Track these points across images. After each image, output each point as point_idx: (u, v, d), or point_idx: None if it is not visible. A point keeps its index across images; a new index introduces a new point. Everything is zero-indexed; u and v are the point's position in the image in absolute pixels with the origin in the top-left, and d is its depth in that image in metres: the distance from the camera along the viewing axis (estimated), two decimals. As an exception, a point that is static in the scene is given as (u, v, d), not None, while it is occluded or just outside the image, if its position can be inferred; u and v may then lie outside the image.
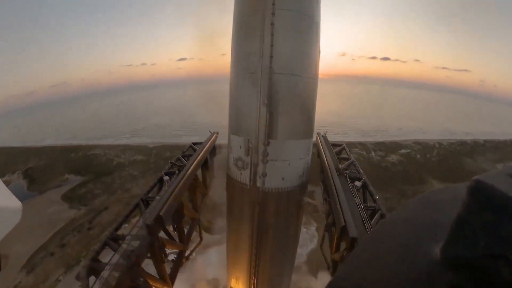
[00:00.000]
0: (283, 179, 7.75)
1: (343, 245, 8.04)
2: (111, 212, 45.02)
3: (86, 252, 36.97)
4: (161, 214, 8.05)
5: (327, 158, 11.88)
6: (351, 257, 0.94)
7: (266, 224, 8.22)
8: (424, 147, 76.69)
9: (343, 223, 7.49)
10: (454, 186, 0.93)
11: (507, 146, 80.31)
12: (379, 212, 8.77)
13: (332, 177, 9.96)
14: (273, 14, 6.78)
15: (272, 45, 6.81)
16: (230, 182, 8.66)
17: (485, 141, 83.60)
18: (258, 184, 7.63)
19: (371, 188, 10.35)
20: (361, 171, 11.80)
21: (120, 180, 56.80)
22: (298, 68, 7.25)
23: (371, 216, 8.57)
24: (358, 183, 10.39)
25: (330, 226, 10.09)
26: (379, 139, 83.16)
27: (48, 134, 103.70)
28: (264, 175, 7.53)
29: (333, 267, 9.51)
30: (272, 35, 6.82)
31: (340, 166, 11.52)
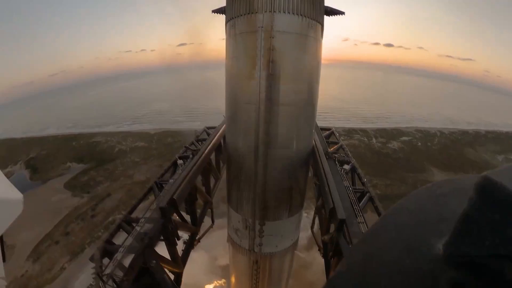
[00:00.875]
0: (276, 246, 9.01)
1: (333, 227, 8.16)
2: (114, 199, 45.66)
3: (90, 239, 37.71)
4: (174, 197, 8.15)
5: (316, 142, 11.88)
6: (352, 250, 0.94)
7: (263, 274, 9.79)
8: (425, 135, 76.53)
9: (332, 205, 7.63)
10: (458, 178, 0.92)
11: (509, 138, 79.59)
12: (367, 194, 8.99)
13: (321, 161, 10.05)
14: (267, 110, 6.85)
15: (266, 148, 7.23)
16: (231, 243, 10.02)
17: (487, 132, 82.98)
18: (256, 250, 8.84)
19: (359, 171, 10.50)
20: (350, 155, 11.92)
21: (122, 167, 57.27)
22: (292, 149, 7.97)
23: (360, 199, 8.73)
24: (346, 167, 10.52)
25: (320, 209, 10.45)
26: (381, 125, 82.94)
27: (49, 123, 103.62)
28: (260, 244, 8.67)
29: (324, 249, 9.94)
30: (267, 122, 7.00)
31: (329, 150, 11.73)
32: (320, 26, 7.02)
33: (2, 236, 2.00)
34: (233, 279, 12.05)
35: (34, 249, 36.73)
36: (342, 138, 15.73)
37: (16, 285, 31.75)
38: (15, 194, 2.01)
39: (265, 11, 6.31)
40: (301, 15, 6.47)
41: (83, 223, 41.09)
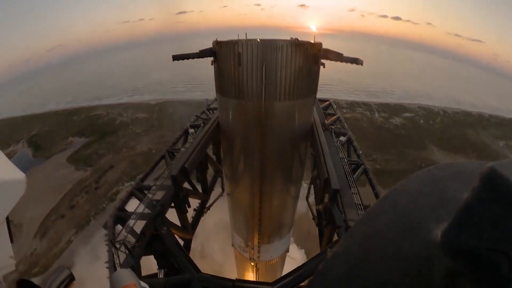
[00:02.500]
0: (271, 256, 10.98)
1: (327, 198, 8.34)
2: (116, 171, 46.44)
3: (95, 211, 38.81)
4: (186, 165, 8.24)
5: (314, 114, 12.01)
6: (350, 231, 0.93)
7: (261, 272, 11.95)
8: (428, 112, 75.43)
9: (326, 176, 7.69)
10: (460, 162, 0.91)
11: (512, 124, 77.60)
12: (362, 166, 9.17)
13: (317, 132, 10.05)
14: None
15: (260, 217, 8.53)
16: (235, 250, 12.18)
17: (490, 116, 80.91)
18: (255, 259, 10.79)
19: (355, 143, 10.63)
20: (346, 127, 12.00)
21: (124, 139, 57.44)
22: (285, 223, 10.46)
23: (354, 171, 8.87)
24: (342, 138, 10.65)
25: (315, 179, 10.82)
26: (384, 100, 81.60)
27: (49, 99, 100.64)
28: (258, 257, 10.65)
29: (318, 218, 10.60)
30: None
31: (326, 121, 11.72)
32: (314, 95, 6.89)
33: (7, 217, 1.99)
34: (238, 272, 14.68)
35: (41, 225, 37.62)
36: (344, 110, 15.62)
37: (27, 263, 32.81)
38: (17, 175, 1.96)
39: (256, 100, 6.07)
40: (294, 99, 6.26)
41: (88, 196, 42.07)
